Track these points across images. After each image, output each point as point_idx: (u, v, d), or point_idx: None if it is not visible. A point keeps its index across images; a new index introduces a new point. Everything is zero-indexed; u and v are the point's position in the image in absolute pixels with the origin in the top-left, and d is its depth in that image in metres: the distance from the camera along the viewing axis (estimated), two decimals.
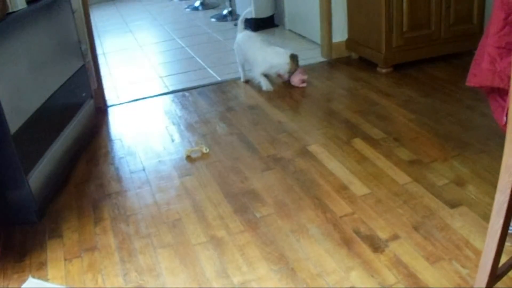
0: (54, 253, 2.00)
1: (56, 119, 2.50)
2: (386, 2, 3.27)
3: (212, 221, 2.10)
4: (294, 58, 3.38)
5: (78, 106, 2.79)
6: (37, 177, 2.19)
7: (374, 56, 3.56)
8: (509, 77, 1.53)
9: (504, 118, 1.58)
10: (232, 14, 5.49)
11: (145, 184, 2.43)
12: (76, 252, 2.00)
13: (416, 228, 1.93)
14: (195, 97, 3.44)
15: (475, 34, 3.50)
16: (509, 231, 1.40)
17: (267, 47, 3.46)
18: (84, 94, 2.90)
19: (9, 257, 1.99)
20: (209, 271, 1.82)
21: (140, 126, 3.09)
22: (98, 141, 2.94)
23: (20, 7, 2.20)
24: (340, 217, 2.05)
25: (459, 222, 1.95)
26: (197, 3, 6.26)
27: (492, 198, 1.33)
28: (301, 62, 3.54)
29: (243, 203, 2.20)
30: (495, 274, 1.39)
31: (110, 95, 3.55)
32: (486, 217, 1.93)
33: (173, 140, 2.85)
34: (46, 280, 1.86)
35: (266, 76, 3.49)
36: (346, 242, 1.90)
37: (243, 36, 3.62)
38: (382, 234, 1.92)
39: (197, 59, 4.26)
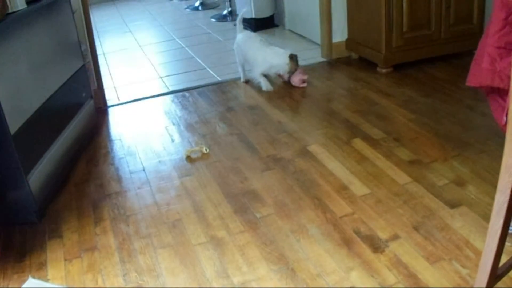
0: (54, 253, 2.00)
1: (56, 119, 2.50)
2: (386, 2, 3.27)
3: (212, 221, 2.10)
4: (293, 58, 3.38)
5: (78, 106, 2.79)
6: (37, 177, 2.19)
7: (374, 56, 3.55)
8: (509, 77, 1.53)
9: (504, 118, 1.58)
10: (232, 14, 5.49)
11: (145, 184, 2.43)
12: (76, 252, 2.00)
13: (416, 228, 1.93)
14: (195, 97, 3.44)
15: (475, 34, 3.50)
16: (509, 231, 1.40)
17: (267, 47, 3.46)
18: (84, 94, 2.90)
19: (9, 257, 1.99)
20: (209, 271, 1.82)
21: (140, 126, 3.09)
22: (98, 141, 2.94)
23: (20, 8, 2.20)
24: (340, 217, 2.05)
25: (459, 222, 1.95)
26: (197, 3, 6.27)
27: (492, 198, 1.33)
28: (301, 62, 3.54)
29: (243, 203, 2.20)
30: (495, 274, 1.39)
31: (110, 95, 3.55)
32: (486, 217, 1.93)
33: (173, 140, 2.85)
34: (46, 280, 1.86)
35: (266, 76, 3.49)
36: (346, 242, 1.90)
37: (243, 36, 3.62)
38: (382, 234, 1.92)
39: (197, 59, 4.26)
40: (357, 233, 1.94)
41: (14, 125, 2.04)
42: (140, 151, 2.77)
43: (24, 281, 1.84)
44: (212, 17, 5.66)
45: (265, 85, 3.44)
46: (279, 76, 3.50)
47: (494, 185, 1.64)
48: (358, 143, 2.61)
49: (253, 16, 4.85)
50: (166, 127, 3.02)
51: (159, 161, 2.63)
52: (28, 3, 2.27)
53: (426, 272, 1.71)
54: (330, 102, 3.18)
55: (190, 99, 3.42)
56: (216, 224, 2.08)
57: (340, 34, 3.85)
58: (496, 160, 2.31)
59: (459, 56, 3.62)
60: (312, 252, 1.86)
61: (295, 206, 2.15)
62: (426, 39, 3.47)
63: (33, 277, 1.86)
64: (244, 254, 1.89)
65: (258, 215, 2.11)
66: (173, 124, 3.06)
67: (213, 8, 6.13)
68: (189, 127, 3.00)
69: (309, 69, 3.69)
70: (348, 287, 1.69)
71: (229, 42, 4.48)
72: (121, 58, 4.55)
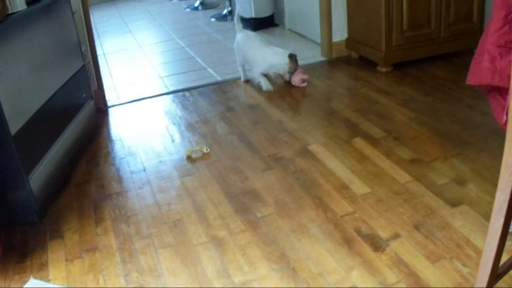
0: (55, 253, 2.00)
1: (57, 120, 2.50)
2: (386, 1, 3.27)
3: (213, 221, 2.10)
4: (293, 58, 3.37)
5: (79, 107, 2.80)
6: (37, 177, 2.19)
7: (374, 55, 3.55)
8: (509, 76, 1.53)
9: (504, 116, 1.58)
10: (232, 14, 5.49)
11: (145, 184, 2.43)
12: (77, 252, 2.00)
13: (416, 227, 1.93)
14: (195, 97, 3.44)
15: (475, 32, 3.50)
16: (510, 230, 1.40)
17: (266, 47, 3.46)
18: (84, 95, 2.90)
19: (10, 258, 2.00)
20: (210, 271, 1.82)
21: (141, 126, 3.09)
22: (98, 141, 2.94)
23: (20, 8, 2.20)
24: (341, 216, 2.05)
25: (460, 221, 1.95)
26: (196, 3, 6.26)
27: (493, 197, 1.33)
28: (301, 62, 3.54)
29: (243, 203, 2.21)
30: (496, 273, 1.39)
31: (110, 96, 3.55)
32: (486, 216, 1.93)
33: (173, 140, 2.85)
34: (47, 280, 1.86)
35: (266, 76, 3.49)
36: (347, 242, 1.90)
37: (242, 36, 3.62)
38: (383, 233, 1.92)
39: (197, 59, 4.26)
40: (358, 232, 1.94)
41: (14, 125, 2.04)
42: (140, 151, 2.77)
43: (25, 282, 1.84)
44: (212, 17, 5.66)
45: (265, 84, 3.44)
46: (279, 75, 3.50)
47: (494, 183, 1.64)
48: (359, 142, 2.61)
49: (253, 16, 4.85)
50: (166, 127, 3.02)
51: (160, 161, 2.63)
52: (28, 4, 2.27)
53: (427, 271, 1.71)
54: (330, 101, 3.18)
55: (190, 99, 3.42)
56: (217, 224, 2.08)
57: (340, 33, 3.85)
58: (496, 159, 2.31)
59: (459, 54, 3.62)
60: (313, 251, 1.87)
61: (295, 206, 2.15)
62: (426, 38, 3.47)
63: (35, 278, 1.86)
64: (245, 253, 1.89)
65: (258, 215, 2.11)
66: (174, 124, 3.06)
67: (213, 7, 6.13)
68: (190, 127, 3.00)
69: (309, 68, 3.69)
70: (349, 286, 1.69)
71: (229, 41, 4.48)
72: (121, 59, 4.55)
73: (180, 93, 3.53)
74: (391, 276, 1.71)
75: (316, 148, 2.60)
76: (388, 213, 2.04)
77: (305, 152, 2.57)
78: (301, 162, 2.48)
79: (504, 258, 1.44)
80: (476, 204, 2.03)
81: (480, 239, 1.83)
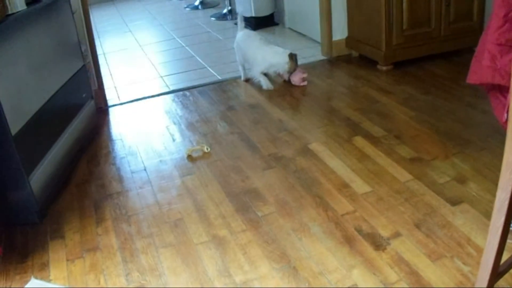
0: (56, 253, 2.00)
1: (57, 120, 2.50)
2: (386, 0, 3.26)
3: (214, 220, 2.10)
4: (293, 57, 3.37)
5: (79, 107, 2.80)
6: (38, 177, 2.20)
7: (374, 54, 3.55)
8: (509, 74, 1.53)
9: (505, 115, 1.58)
10: (232, 13, 5.49)
11: (146, 184, 2.43)
12: (78, 252, 2.00)
13: (417, 226, 1.93)
14: (196, 96, 3.44)
15: (475, 31, 3.50)
16: (511, 228, 1.40)
17: (266, 46, 3.46)
18: (84, 95, 2.90)
19: (11, 258, 2.00)
20: (211, 270, 1.83)
21: (141, 126, 3.09)
22: (99, 141, 2.94)
23: (20, 9, 2.20)
24: (342, 215, 2.05)
25: (461, 219, 1.95)
26: (196, 2, 6.26)
27: (494, 196, 1.33)
28: (301, 61, 3.54)
29: (244, 202, 2.21)
30: (497, 272, 1.39)
31: (110, 95, 3.55)
32: (487, 215, 1.93)
33: (174, 140, 2.85)
34: (49, 280, 1.86)
35: (266, 75, 3.49)
36: (348, 240, 1.90)
37: (242, 35, 3.62)
38: (384, 232, 1.92)
39: (197, 58, 4.26)
40: (359, 231, 1.95)
41: (15, 126, 2.04)
42: (141, 150, 2.77)
43: (26, 282, 1.84)
44: (212, 16, 5.66)
45: (265, 83, 3.44)
46: (279, 75, 3.50)
47: (495, 182, 1.64)
48: (359, 141, 2.61)
49: (253, 15, 4.85)
50: (167, 127, 3.02)
51: (160, 161, 2.63)
52: (28, 4, 2.27)
53: (427, 269, 1.71)
54: (331, 100, 3.18)
55: (191, 98, 3.42)
56: (217, 223, 2.08)
57: (340, 32, 3.85)
58: (497, 157, 2.31)
59: (459, 53, 3.62)
60: (314, 250, 1.87)
61: (296, 205, 2.15)
62: (426, 36, 3.46)
63: (36, 278, 1.86)
64: (246, 253, 1.90)
65: (259, 214, 2.11)
66: (174, 123, 3.06)
67: (213, 7, 6.13)
68: (190, 126, 3.00)
69: (309, 67, 3.69)
70: (350, 285, 1.69)
71: (229, 40, 4.48)
72: (121, 58, 4.55)
73: (181, 93, 3.53)
74: (392, 275, 1.71)
75: (316, 147, 2.60)
76: (388, 211, 2.04)
77: (306, 151, 2.57)
78: (302, 161, 2.48)
79: (505, 257, 1.44)
80: (477, 203, 2.03)
81: (481, 238, 1.83)
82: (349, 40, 3.84)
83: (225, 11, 5.61)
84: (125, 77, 3.98)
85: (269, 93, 3.38)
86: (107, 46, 4.94)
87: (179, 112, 3.21)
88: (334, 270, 1.76)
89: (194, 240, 2.00)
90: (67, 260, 1.96)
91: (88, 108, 2.92)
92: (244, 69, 3.63)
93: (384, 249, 1.83)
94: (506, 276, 1.57)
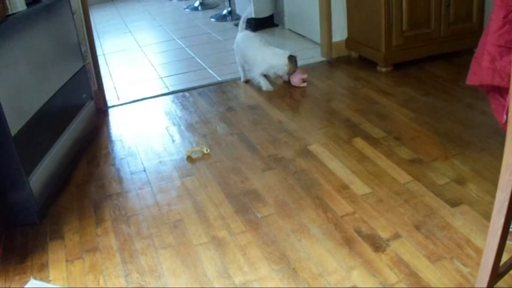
0: (56, 254, 2.00)
1: (57, 121, 2.50)
2: (386, 1, 3.27)
3: (213, 221, 2.10)
4: (292, 59, 3.37)
5: (79, 107, 2.80)
6: (38, 178, 2.19)
7: (374, 55, 3.55)
8: (509, 76, 1.53)
9: (505, 116, 1.58)
10: (232, 14, 5.49)
11: (146, 184, 2.43)
12: (77, 253, 2.00)
13: (417, 227, 1.93)
14: (195, 97, 3.44)
15: (475, 32, 3.50)
16: (510, 230, 1.40)
17: (266, 48, 3.46)
18: (84, 95, 2.90)
19: (10, 258, 2.00)
20: (211, 272, 1.82)
21: (141, 126, 3.09)
22: (98, 142, 2.94)
23: (20, 9, 2.20)
24: (341, 216, 2.05)
25: (460, 220, 1.95)
26: (196, 3, 6.26)
27: (493, 197, 1.33)
28: (301, 62, 3.55)
29: (244, 203, 2.21)
30: (497, 273, 1.39)
31: (110, 96, 3.55)
32: (487, 216, 1.93)
33: (173, 141, 2.85)
34: (48, 281, 1.86)
35: (266, 76, 3.49)
36: (347, 242, 1.90)
37: (242, 36, 3.62)
38: (383, 234, 1.92)
39: (197, 59, 4.26)
40: (358, 232, 1.94)
41: (14, 126, 2.04)
42: (140, 151, 2.77)
43: (25, 282, 1.84)
44: (211, 17, 5.66)
45: (265, 85, 3.44)
46: (279, 76, 3.50)
47: (494, 183, 1.64)
48: (359, 142, 2.61)
49: (253, 16, 4.85)
50: (166, 128, 3.02)
51: (160, 162, 2.63)
52: (28, 4, 2.27)
53: (427, 271, 1.71)
54: (330, 102, 3.18)
55: (191, 99, 3.42)
56: (217, 224, 2.08)
57: (340, 33, 3.86)
58: (496, 159, 2.31)
59: (459, 54, 3.62)
60: (314, 251, 1.87)
61: (296, 206, 2.15)
62: (426, 37, 3.47)
63: (35, 278, 1.86)
64: (246, 254, 1.90)
65: (259, 215, 2.11)
66: (174, 124, 3.06)
67: (213, 8, 6.13)
68: (190, 127, 3.00)
69: (309, 68, 3.69)
70: (350, 286, 1.69)
71: (229, 42, 4.48)
72: (121, 59, 4.55)
73: (180, 94, 3.53)
74: (392, 276, 1.71)
75: (316, 148, 2.60)
76: (388, 213, 2.04)
77: (305, 153, 2.57)
78: (301, 163, 2.48)
79: (504, 258, 1.44)
80: (477, 204, 2.03)
81: (480, 239, 1.83)
82: (349, 42, 3.84)
83: (225, 12, 5.61)
84: (125, 78, 3.98)
85: (269, 94, 3.38)
86: (107, 46, 4.94)
87: (179, 113, 3.21)
88: (334, 271, 1.76)
89: (193, 241, 2.00)
90: (67, 260, 1.96)
91: (88, 108, 2.92)
92: (243, 70, 3.63)
93: (383, 251, 1.83)
94: (506, 277, 1.57)
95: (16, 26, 2.15)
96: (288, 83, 3.49)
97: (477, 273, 1.42)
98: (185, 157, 2.64)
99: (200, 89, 3.57)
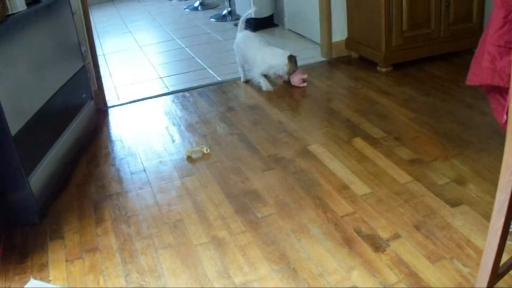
0: (56, 254, 2.00)
1: (57, 121, 2.50)
2: (386, 1, 3.27)
3: (213, 221, 2.10)
4: (292, 59, 3.37)
5: (79, 107, 2.80)
6: (38, 178, 2.19)
7: (374, 55, 3.56)
8: (509, 76, 1.53)
9: (505, 116, 1.58)
10: (232, 14, 5.49)
11: (146, 184, 2.43)
12: (77, 253, 2.00)
13: (417, 227, 1.93)
14: (195, 97, 3.44)
15: (475, 32, 3.50)
16: (510, 230, 1.40)
17: (266, 48, 3.46)
18: (84, 95, 2.90)
19: (10, 258, 2.00)
20: (211, 272, 1.82)
21: (141, 127, 3.09)
22: (98, 142, 2.94)
23: (20, 9, 2.20)
24: (341, 216, 2.05)
25: (460, 221, 1.95)
26: (196, 3, 6.26)
27: (493, 197, 1.33)
28: (300, 62, 3.55)
29: (244, 203, 2.21)
30: (497, 273, 1.39)
31: (110, 96, 3.55)
32: (487, 216, 1.93)
33: (173, 141, 2.85)
34: (48, 281, 1.86)
35: (266, 76, 3.49)
36: (347, 242, 1.90)
37: (242, 36, 3.62)
38: (383, 234, 1.92)
39: (197, 59, 4.26)
40: (358, 232, 1.95)
41: (15, 126, 2.04)
42: (140, 151, 2.77)
43: (25, 282, 1.84)
44: (211, 17, 5.66)
45: (265, 85, 3.44)
46: (279, 76, 3.50)
47: (494, 183, 1.64)
48: (359, 142, 2.62)
49: (253, 16, 4.84)
50: (166, 128, 3.02)
51: (160, 162, 2.63)
52: (28, 4, 2.27)
53: (427, 271, 1.71)
54: (330, 102, 3.18)
55: (191, 99, 3.42)
56: (217, 224, 2.08)
57: (340, 33, 3.86)
58: (496, 159, 2.31)
59: (459, 54, 3.62)
60: (314, 251, 1.87)
61: (296, 206, 2.15)
62: (426, 37, 3.47)
63: (35, 278, 1.86)
64: (246, 254, 1.90)
65: (259, 215, 2.11)
66: (174, 124, 3.06)
67: (213, 8, 6.13)
68: (190, 127, 3.00)
69: (309, 68, 3.69)
70: (350, 286, 1.69)
71: (229, 42, 4.48)
72: (121, 59, 4.55)
73: (180, 94, 3.53)
74: (392, 276, 1.71)
75: (316, 148, 2.60)
76: (388, 213, 2.04)
77: (305, 153, 2.57)
78: (301, 163, 2.48)
79: (504, 258, 1.44)
80: (476, 204, 2.03)
81: (480, 239, 1.83)
82: (349, 42, 3.84)
83: (224, 12, 5.61)
84: (125, 78, 3.98)
85: (269, 94, 3.38)
86: (107, 46, 4.94)
87: (179, 113, 3.21)
88: (334, 271, 1.76)
89: (193, 241, 2.00)
90: (67, 260, 1.96)
91: (88, 108, 2.92)
92: (243, 70, 3.63)
93: (383, 251, 1.83)
94: (506, 277, 1.57)
95: (16, 26, 2.15)
96: (288, 83, 3.49)
97: (477, 273, 1.42)
98: (185, 157, 2.64)
99: (200, 89, 3.57)
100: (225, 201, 2.23)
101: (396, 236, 1.90)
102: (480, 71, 1.63)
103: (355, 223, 2.00)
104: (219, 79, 3.75)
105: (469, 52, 3.51)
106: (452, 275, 1.68)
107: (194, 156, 2.65)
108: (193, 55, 4.39)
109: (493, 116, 1.71)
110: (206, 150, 2.67)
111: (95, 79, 3.32)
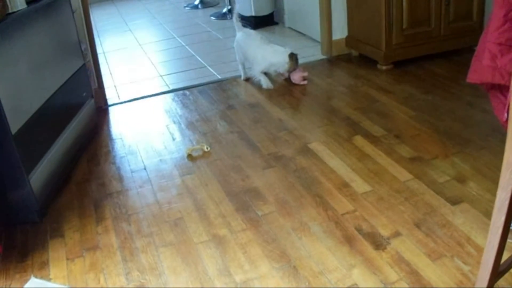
0: (56, 252, 2.00)
1: (57, 119, 2.50)
2: (386, 0, 3.26)
3: (214, 219, 2.10)
4: (293, 57, 3.37)
5: (79, 106, 2.80)
6: (38, 176, 2.19)
7: (374, 53, 3.55)
8: (509, 74, 1.53)
9: (505, 114, 1.58)
10: (232, 12, 5.48)
11: (146, 183, 2.43)
12: (78, 251, 2.00)
13: (417, 225, 1.93)
14: (196, 95, 3.44)
15: (475, 30, 3.50)
16: (511, 228, 1.40)
17: (267, 46, 3.46)
18: (84, 94, 2.90)
19: (11, 257, 2.00)
20: (211, 270, 1.83)
21: (141, 125, 3.09)
22: (99, 140, 2.94)
23: (20, 8, 2.20)
24: (342, 214, 2.05)
25: (461, 219, 1.95)
26: (196, 2, 6.26)
27: (494, 195, 1.33)
28: (301, 60, 3.54)
29: (244, 201, 2.21)
30: (497, 271, 1.39)
31: (110, 94, 3.55)
32: (487, 214, 1.93)
33: (174, 139, 2.85)
34: (49, 280, 1.86)
35: (266, 74, 3.49)
36: (348, 240, 1.90)
37: (242, 34, 3.62)
38: (384, 232, 1.92)
39: (197, 57, 4.26)
40: (359, 230, 1.95)
41: (15, 125, 2.04)
42: (141, 149, 2.77)
43: (26, 281, 1.84)
44: (211, 15, 5.66)
45: (265, 83, 3.44)
46: (279, 74, 3.49)
47: (495, 181, 1.64)
48: (359, 140, 2.61)
49: (253, 14, 4.85)
50: (167, 126, 3.02)
51: (160, 160, 2.63)
52: (28, 3, 2.27)
53: (428, 269, 1.71)
54: (331, 100, 3.18)
55: (191, 97, 3.42)
56: (217, 222, 2.08)
57: (340, 31, 3.85)
58: (497, 157, 2.31)
59: (459, 52, 3.62)
60: (314, 249, 1.87)
61: (296, 204, 2.15)
62: (426, 36, 3.46)
63: (35, 277, 1.86)
64: (246, 252, 1.90)
65: (259, 213, 2.11)
66: (174, 122, 3.06)
67: (213, 6, 6.13)
68: (190, 125, 3.00)
69: (309, 66, 3.69)
70: (350, 284, 1.69)
71: (229, 40, 4.48)
72: (121, 57, 4.55)
73: (181, 92, 3.53)
74: (392, 274, 1.71)
75: (316, 146, 2.60)
76: (388, 211, 2.04)
77: (306, 151, 2.57)
78: (302, 161, 2.48)
79: (505, 256, 1.44)
80: (477, 202, 2.03)
81: (481, 237, 1.83)
82: (349, 40, 3.84)
83: (224, 10, 5.60)
84: (125, 76, 3.98)
85: (269, 92, 3.38)
86: (107, 45, 4.94)
87: (179, 111, 3.21)
88: (334, 269, 1.76)
89: (194, 239, 2.00)
90: (67, 259, 1.96)
91: (88, 107, 2.92)
92: (244, 68, 3.63)
93: (384, 249, 1.83)
94: (507, 275, 1.57)
95: (16, 25, 2.15)
96: (288, 81, 3.49)
97: (478, 272, 1.42)
98: (186, 155, 2.64)
99: (201, 87, 3.57)
100: (225, 199, 2.23)
101: (397, 234, 1.90)
102: (480, 69, 1.62)
103: (356, 221, 2.00)
104: (219, 77, 3.74)
105: (470, 50, 3.51)
106: (452, 273, 1.68)
107: (194, 154, 2.65)
108: (193, 53, 4.39)
109: (494, 114, 1.71)
110: (207, 148, 2.67)
111: (95, 78, 3.32)
